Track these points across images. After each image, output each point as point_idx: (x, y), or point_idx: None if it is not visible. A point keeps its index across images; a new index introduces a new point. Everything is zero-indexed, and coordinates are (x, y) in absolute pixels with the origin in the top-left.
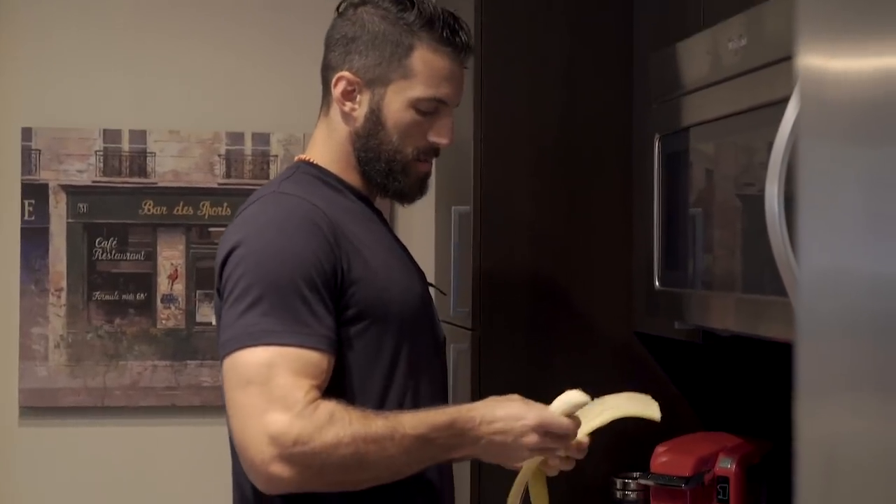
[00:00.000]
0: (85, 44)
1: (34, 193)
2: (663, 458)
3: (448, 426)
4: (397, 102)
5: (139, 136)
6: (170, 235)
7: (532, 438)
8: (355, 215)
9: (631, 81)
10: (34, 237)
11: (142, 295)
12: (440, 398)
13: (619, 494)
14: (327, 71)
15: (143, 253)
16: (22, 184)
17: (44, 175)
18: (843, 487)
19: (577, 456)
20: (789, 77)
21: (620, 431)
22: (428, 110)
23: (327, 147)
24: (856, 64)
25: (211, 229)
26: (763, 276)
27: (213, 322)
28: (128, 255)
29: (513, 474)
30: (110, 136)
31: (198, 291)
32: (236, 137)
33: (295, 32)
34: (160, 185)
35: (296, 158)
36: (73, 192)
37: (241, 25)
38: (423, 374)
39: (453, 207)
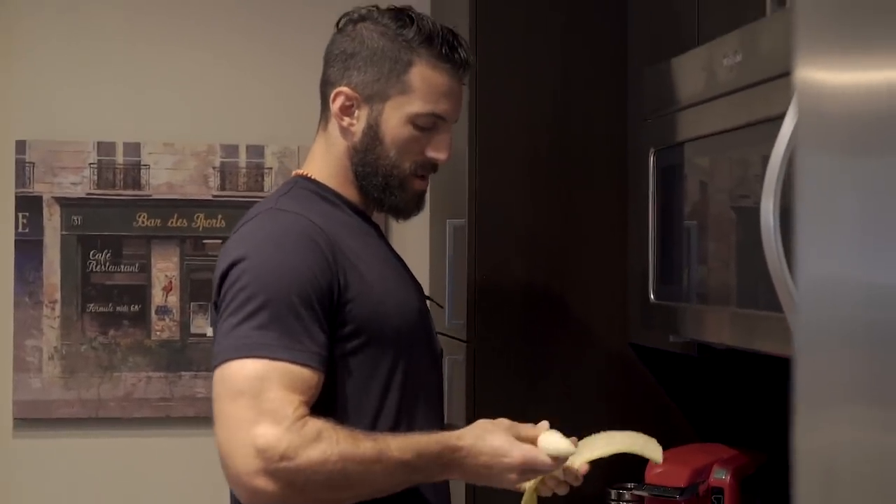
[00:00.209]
0: (79, 56)
1: (28, 206)
2: (658, 470)
3: (436, 455)
4: (395, 118)
5: (133, 148)
6: (164, 247)
7: (514, 476)
8: (352, 230)
9: (625, 96)
10: (28, 249)
11: (136, 306)
12: (436, 411)
13: None
14: (326, 86)
15: (137, 265)
16: (16, 196)
17: (38, 188)
18: (841, 498)
19: (573, 483)
20: (784, 93)
21: None
22: (426, 126)
23: (325, 162)
24: (854, 77)
25: (205, 241)
26: (758, 290)
27: (208, 334)
28: (122, 266)
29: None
30: (104, 148)
31: (192, 303)
32: (231, 150)
33: (290, 45)
34: (154, 197)
35: (293, 173)
36: (67, 204)
37: (236, 38)
38: (420, 389)
39: (448, 220)
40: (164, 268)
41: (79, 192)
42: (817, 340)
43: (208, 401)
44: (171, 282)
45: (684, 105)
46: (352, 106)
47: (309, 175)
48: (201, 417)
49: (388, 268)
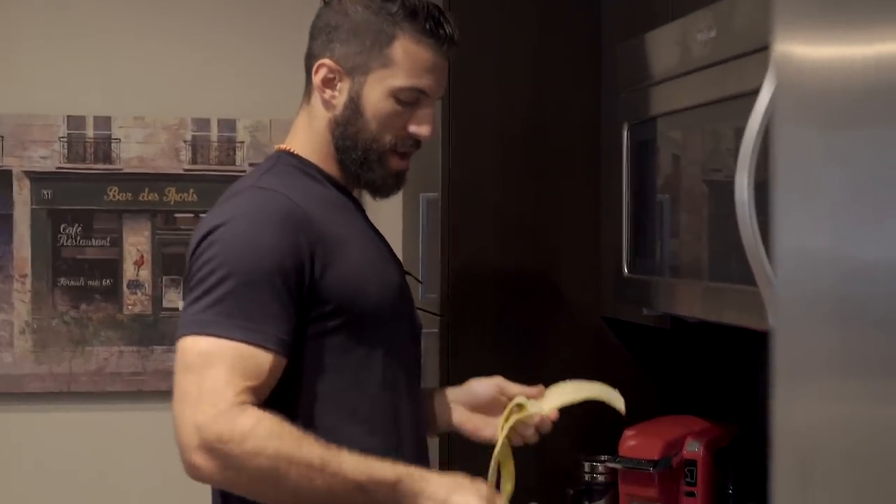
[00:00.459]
0: (49, 30)
1: None
2: (631, 442)
3: (390, 486)
4: (377, 91)
5: (104, 122)
6: (135, 221)
7: None
8: (334, 207)
9: (599, 71)
10: None
11: (108, 281)
12: (414, 386)
13: (587, 477)
14: (309, 59)
15: (108, 239)
16: None
17: (7, 161)
18: (819, 471)
19: (542, 429)
20: (758, 68)
21: (588, 415)
22: (408, 100)
23: (307, 136)
24: (832, 51)
25: (177, 215)
26: (730, 263)
27: (180, 308)
28: (93, 241)
29: (482, 449)
30: (74, 122)
31: (164, 277)
32: (202, 123)
33: (262, 19)
34: (125, 171)
35: (276, 148)
36: (37, 178)
37: (208, 11)
38: (401, 364)
39: (421, 195)
40: (136, 242)
41: (49, 165)
42: (795, 315)
43: None
44: (142, 256)
45: (658, 80)
46: (334, 78)
47: (291, 150)
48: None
49: (369, 244)
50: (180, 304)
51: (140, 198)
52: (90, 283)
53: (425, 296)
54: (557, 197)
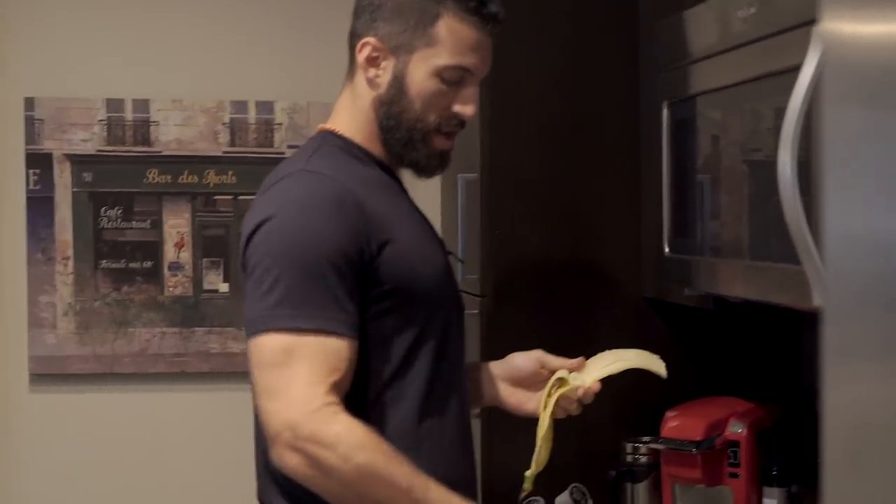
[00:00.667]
0: (88, 13)
1: (38, 163)
2: (673, 423)
3: None
4: (421, 70)
5: (142, 104)
6: (175, 204)
7: None
8: (382, 188)
9: (637, 49)
10: (40, 206)
11: (148, 263)
12: (461, 365)
13: (629, 459)
14: (353, 37)
15: (148, 221)
16: (26, 153)
17: (47, 144)
18: (869, 452)
19: (585, 401)
20: (799, 45)
21: (630, 396)
22: (452, 79)
23: (351, 115)
24: (882, 28)
25: (216, 197)
26: (772, 242)
27: (220, 289)
28: (133, 223)
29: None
30: (113, 105)
31: (204, 259)
32: (240, 106)
33: (299, 1)
34: (164, 153)
35: (319, 128)
36: (78, 161)
37: None
38: (448, 345)
39: (459, 175)
40: (176, 224)
41: (89, 148)
42: (844, 297)
43: (222, 356)
44: (182, 238)
45: (698, 58)
46: (378, 57)
47: (336, 130)
48: (215, 373)
49: (415, 225)
50: (221, 286)
51: (179, 180)
52: (131, 265)
53: (465, 276)
54: (597, 177)
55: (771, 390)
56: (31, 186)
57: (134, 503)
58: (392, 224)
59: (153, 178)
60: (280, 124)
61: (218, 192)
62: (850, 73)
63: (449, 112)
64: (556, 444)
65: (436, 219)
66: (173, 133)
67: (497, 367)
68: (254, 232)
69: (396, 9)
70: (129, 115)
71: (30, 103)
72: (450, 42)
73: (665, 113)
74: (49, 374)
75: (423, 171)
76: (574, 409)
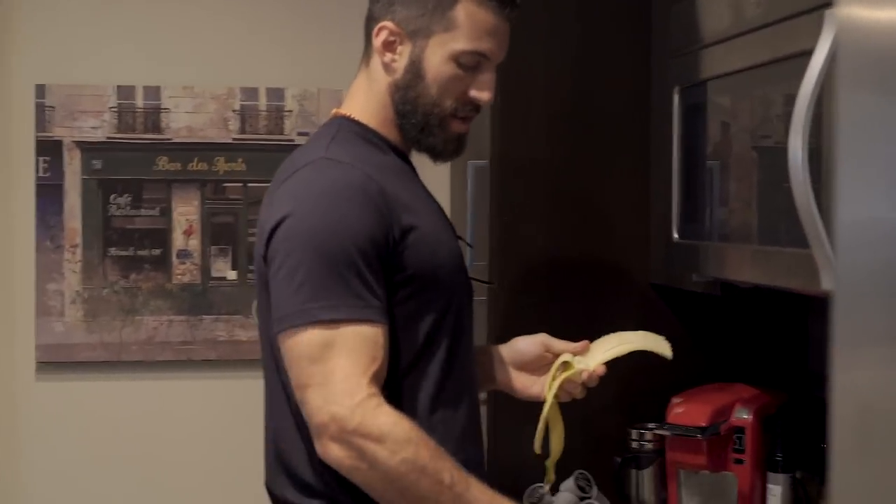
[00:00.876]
0: (98, 0)
1: (48, 150)
2: (679, 409)
3: None
4: (438, 55)
5: (153, 92)
6: (184, 191)
7: None
8: (398, 175)
9: (649, 34)
10: (49, 194)
11: (157, 250)
12: (471, 350)
13: (635, 445)
14: (370, 22)
15: (157, 209)
16: (36, 140)
17: (58, 132)
18: (877, 437)
19: (590, 384)
20: (810, 30)
21: (636, 383)
22: (469, 64)
23: (367, 100)
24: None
25: (226, 185)
26: (780, 228)
27: (229, 277)
28: (142, 210)
29: (527, 410)
30: (124, 92)
31: (213, 247)
32: (250, 93)
33: None
34: (174, 140)
35: (334, 112)
36: (88, 148)
37: None
38: (463, 331)
39: (469, 162)
40: (185, 211)
41: (99, 135)
42: (856, 281)
43: (229, 344)
44: (191, 225)
45: (709, 42)
46: (395, 41)
47: (351, 115)
48: (223, 361)
49: (433, 213)
50: (229, 274)
51: (189, 167)
52: (140, 252)
53: (474, 263)
54: (607, 163)
55: (777, 377)
56: (41, 174)
57: (141, 491)
58: (413, 210)
59: (163, 166)
60: (290, 111)
61: (227, 180)
62: (864, 58)
63: (465, 97)
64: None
65: (445, 205)
66: (184, 120)
67: (502, 351)
68: (278, 225)
69: None
70: (139, 102)
71: (40, 90)
72: (467, 26)
73: (676, 99)
74: (56, 361)
75: (440, 155)
76: (578, 393)
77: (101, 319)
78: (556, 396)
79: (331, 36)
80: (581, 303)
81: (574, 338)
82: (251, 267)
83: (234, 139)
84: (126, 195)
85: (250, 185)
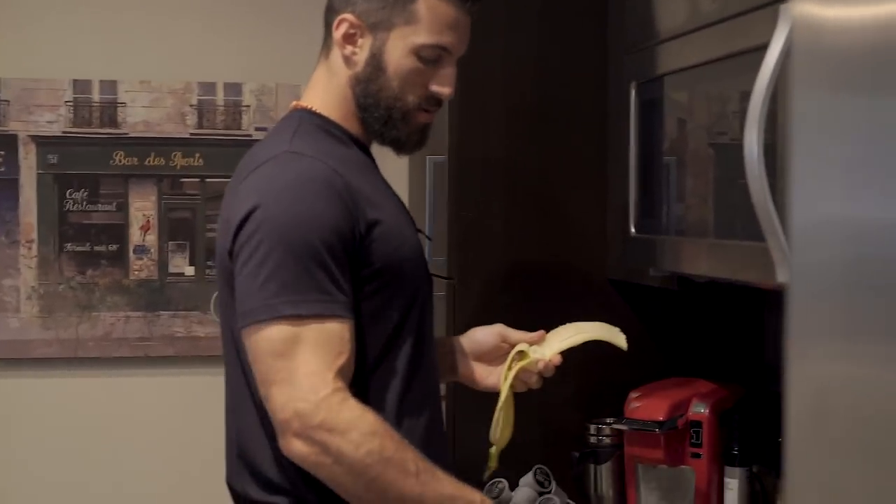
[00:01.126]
0: None
1: (3, 144)
2: (637, 404)
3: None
4: (399, 48)
5: (110, 86)
6: (141, 186)
7: None
8: (362, 168)
9: (605, 30)
10: (4, 188)
11: (114, 246)
12: (432, 342)
13: (593, 440)
14: (329, 13)
15: (114, 204)
16: None
17: (13, 126)
18: (831, 428)
19: (546, 374)
20: (765, 25)
21: (594, 378)
22: (430, 58)
23: (327, 92)
24: (851, 11)
25: (183, 180)
26: (736, 222)
27: (186, 273)
28: (99, 206)
29: (487, 402)
30: (80, 86)
31: (170, 242)
32: (208, 87)
33: None
34: (131, 135)
35: (293, 104)
36: (43, 142)
37: None
38: (427, 325)
39: (428, 157)
40: (142, 207)
41: (55, 130)
42: (810, 276)
43: (187, 340)
44: (148, 221)
45: (665, 37)
46: (355, 34)
47: (311, 108)
48: (180, 357)
49: (394, 205)
50: (187, 270)
51: (146, 162)
52: (96, 248)
53: (432, 258)
54: (565, 158)
55: (734, 371)
56: None
57: (99, 488)
58: (376, 204)
59: (120, 161)
60: (248, 106)
61: (185, 175)
62: (817, 55)
63: (427, 91)
64: (520, 425)
65: (404, 200)
66: (140, 115)
67: (461, 342)
68: (244, 220)
69: None
70: (96, 96)
71: None
72: (429, 20)
73: (633, 94)
74: (12, 358)
75: (404, 147)
76: (534, 383)
77: (58, 315)
78: (511, 386)
79: (289, 31)
80: (540, 298)
81: (532, 331)
82: (209, 263)
83: (192, 134)
84: (82, 190)
85: (208, 180)
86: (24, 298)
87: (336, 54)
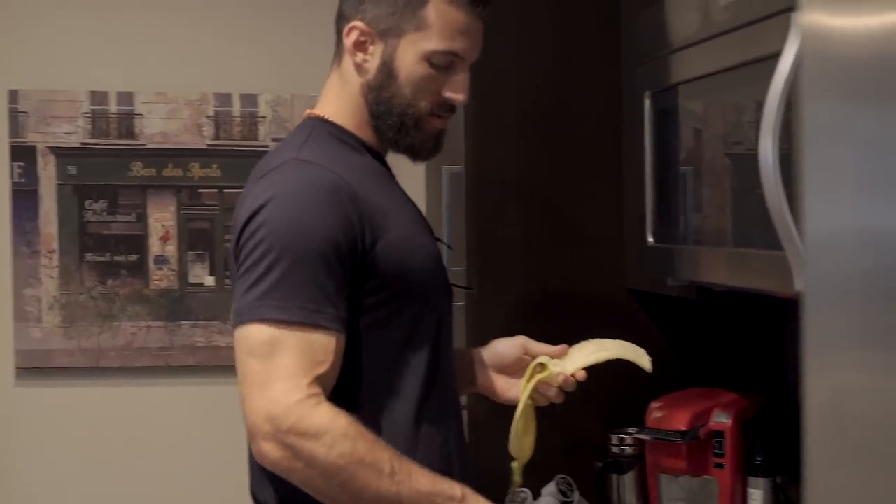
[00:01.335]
0: (71, 5)
1: (22, 155)
2: (658, 414)
3: (456, 500)
4: (410, 55)
5: (126, 97)
6: (160, 197)
7: None
8: (374, 177)
9: (619, 40)
10: (24, 199)
11: (133, 256)
12: (451, 354)
13: (615, 450)
14: (340, 21)
15: (133, 214)
16: (10, 146)
17: (31, 137)
18: (849, 438)
19: (566, 388)
20: (779, 32)
21: (615, 388)
22: (442, 64)
23: (341, 101)
24: (859, 21)
25: (201, 190)
26: (754, 231)
27: (206, 283)
28: (118, 216)
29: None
30: (98, 97)
31: (189, 252)
32: (224, 98)
33: None
34: (149, 146)
35: (307, 113)
36: (62, 153)
37: None
38: (442, 336)
39: (444, 167)
40: (161, 217)
41: (73, 141)
42: (826, 287)
43: (208, 350)
44: (167, 231)
45: (679, 47)
46: (366, 42)
47: (325, 116)
48: (201, 366)
49: (409, 216)
50: (207, 280)
51: (164, 173)
52: (116, 258)
53: (450, 268)
54: (581, 168)
55: (755, 381)
56: (16, 179)
57: (120, 497)
58: (387, 215)
59: (137, 171)
60: (264, 117)
61: (202, 185)
62: (826, 64)
63: (440, 97)
64: (542, 435)
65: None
66: (157, 126)
67: (482, 353)
68: (246, 223)
69: None
70: (113, 107)
71: (13, 96)
72: (439, 26)
73: (647, 103)
74: (34, 367)
75: (419, 154)
76: (554, 396)
77: (79, 325)
78: (531, 399)
79: (304, 41)
80: (558, 308)
81: (551, 342)
82: (228, 272)
83: (209, 145)
84: (101, 201)
85: (225, 190)
86: (45, 308)
87: (348, 62)
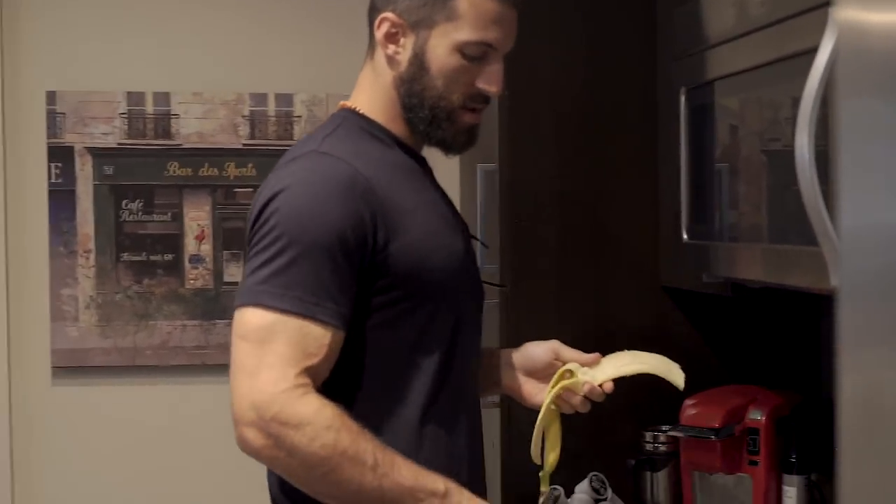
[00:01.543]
0: (108, 6)
1: (60, 156)
2: (692, 411)
3: (440, 496)
4: (442, 46)
5: (163, 98)
6: (196, 196)
7: None
8: (401, 171)
9: (654, 36)
10: (61, 199)
11: (169, 255)
12: (473, 355)
13: (649, 447)
14: (372, 12)
15: (169, 214)
16: (48, 146)
17: (69, 138)
18: (884, 435)
19: (596, 399)
20: (815, 27)
21: (649, 385)
22: (475, 55)
23: (373, 93)
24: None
25: (236, 190)
26: (789, 227)
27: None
28: (154, 216)
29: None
30: (134, 98)
31: (225, 252)
32: (260, 98)
33: None
34: (185, 146)
35: (340, 104)
36: (99, 154)
37: None
38: (460, 336)
39: (478, 165)
40: (197, 217)
41: (110, 141)
42: (860, 283)
43: None
44: (203, 231)
45: (715, 43)
46: (397, 33)
47: (357, 109)
48: None
49: (434, 211)
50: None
51: (200, 173)
52: (152, 257)
53: (485, 266)
54: (614, 164)
55: (790, 378)
56: (53, 179)
57: (155, 495)
58: (407, 213)
59: (174, 171)
60: (299, 117)
61: (238, 185)
62: (862, 60)
63: (473, 89)
64: (574, 433)
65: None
66: (193, 126)
67: (512, 355)
68: (262, 209)
69: None
70: (149, 108)
71: (51, 97)
72: (471, 16)
73: (683, 100)
74: (71, 366)
75: (451, 148)
76: (578, 405)
77: (115, 324)
78: (555, 405)
79: (339, 41)
80: (592, 306)
81: (586, 342)
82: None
83: (244, 145)
84: (138, 201)
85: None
86: (82, 307)
87: (380, 55)
